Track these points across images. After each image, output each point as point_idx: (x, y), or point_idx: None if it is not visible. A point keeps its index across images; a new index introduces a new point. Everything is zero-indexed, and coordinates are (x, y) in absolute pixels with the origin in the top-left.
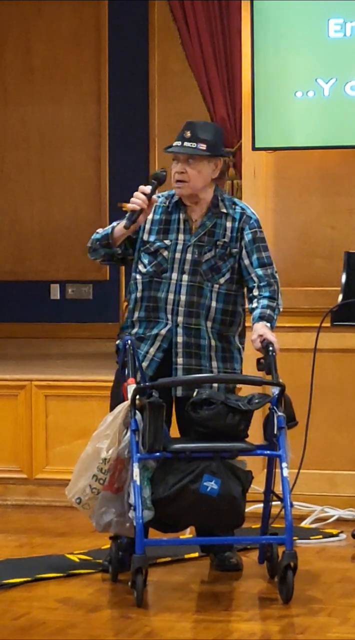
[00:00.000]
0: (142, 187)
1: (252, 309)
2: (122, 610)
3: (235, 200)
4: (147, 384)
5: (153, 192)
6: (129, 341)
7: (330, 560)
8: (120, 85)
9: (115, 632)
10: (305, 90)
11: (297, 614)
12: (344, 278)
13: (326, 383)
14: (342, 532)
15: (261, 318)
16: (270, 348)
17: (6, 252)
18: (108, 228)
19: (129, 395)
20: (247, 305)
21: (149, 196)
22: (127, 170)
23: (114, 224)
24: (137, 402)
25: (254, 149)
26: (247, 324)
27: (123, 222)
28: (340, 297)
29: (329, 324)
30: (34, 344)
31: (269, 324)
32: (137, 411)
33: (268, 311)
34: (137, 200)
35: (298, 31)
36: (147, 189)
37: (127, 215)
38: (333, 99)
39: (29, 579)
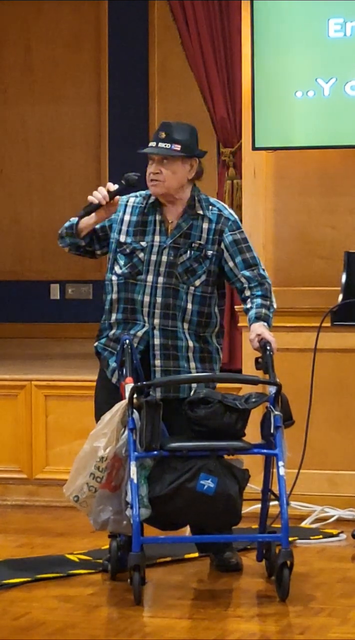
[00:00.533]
0: (108, 184)
1: (247, 310)
2: (122, 610)
3: (212, 200)
4: (144, 383)
5: (118, 192)
6: (127, 341)
7: (330, 560)
8: (120, 85)
9: (115, 632)
10: (305, 90)
11: (297, 614)
12: (344, 278)
13: (326, 383)
14: (342, 532)
15: (258, 318)
16: (268, 347)
17: (6, 252)
18: (74, 218)
19: (127, 394)
20: (242, 306)
21: (112, 194)
22: (127, 170)
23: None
24: (134, 400)
25: (254, 149)
26: (243, 324)
27: (89, 217)
28: (340, 297)
29: (329, 324)
30: (34, 344)
31: (266, 324)
32: (134, 410)
33: (263, 310)
34: (98, 194)
35: (298, 31)
36: (112, 186)
37: (84, 206)
38: (333, 98)
39: (29, 579)
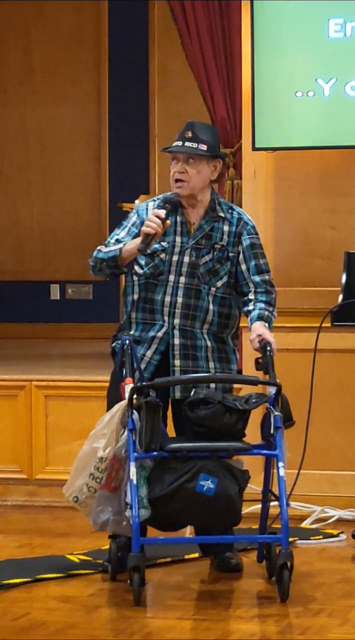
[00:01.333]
0: (156, 211)
1: (249, 311)
2: (122, 610)
3: (232, 205)
4: (144, 383)
5: (167, 216)
6: (127, 341)
7: (330, 560)
8: (120, 85)
9: (115, 633)
10: (305, 90)
11: (297, 615)
12: (344, 278)
13: (326, 383)
14: (342, 532)
15: (260, 318)
16: (268, 348)
17: (6, 252)
18: (115, 250)
19: (127, 395)
20: (242, 308)
21: (163, 220)
22: (127, 170)
23: (120, 245)
24: (134, 401)
25: (254, 149)
26: (244, 325)
27: (134, 244)
28: (340, 297)
29: (329, 324)
30: (34, 344)
31: (267, 324)
32: (134, 411)
33: (266, 312)
34: (152, 224)
35: (298, 31)
36: (162, 212)
37: (141, 238)
38: (333, 99)
39: (29, 579)
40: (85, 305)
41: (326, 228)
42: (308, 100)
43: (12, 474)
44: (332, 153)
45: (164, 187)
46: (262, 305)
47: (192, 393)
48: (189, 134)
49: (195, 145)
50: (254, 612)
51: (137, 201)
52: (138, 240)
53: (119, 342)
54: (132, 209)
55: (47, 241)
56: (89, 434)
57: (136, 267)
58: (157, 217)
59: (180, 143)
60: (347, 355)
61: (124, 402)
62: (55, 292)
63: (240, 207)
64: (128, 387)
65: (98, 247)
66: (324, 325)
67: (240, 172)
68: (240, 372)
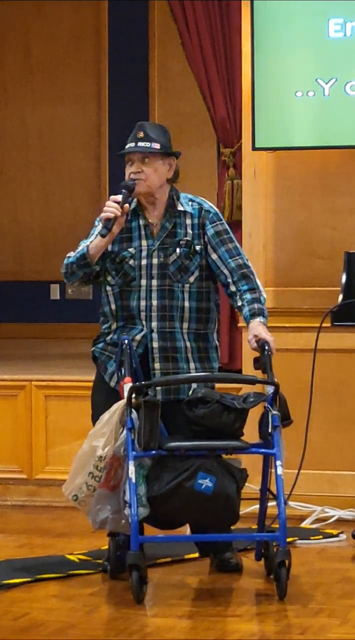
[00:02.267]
0: (112, 197)
1: (239, 308)
2: (121, 610)
3: (191, 196)
4: (143, 382)
5: (125, 200)
6: (126, 341)
7: (330, 560)
8: (120, 85)
9: (115, 632)
10: (305, 90)
11: (297, 615)
12: (344, 278)
13: (326, 383)
14: (342, 532)
15: (253, 315)
16: (266, 347)
17: (6, 252)
18: (82, 248)
19: (125, 394)
20: (231, 304)
21: (121, 204)
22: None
23: (86, 242)
24: (133, 400)
25: (254, 149)
26: (244, 324)
27: (98, 237)
28: (340, 297)
29: (329, 324)
30: (34, 344)
31: (263, 319)
32: (133, 409)
33: (256, 305)
34: (111, 207)
35: (298, 31)
36: (118, 197)
37: (102, 224)
38: (333, 99)
39: (29, 579)
40: (85, 305)
41: (326, 228)
42: (308, 100)
43: (12, 473)
44: (332, 153)
45: None
46: (249, 296)
47: (190, 392)
48: (141, 134)
49: (148, 144)
50: (253, 612)
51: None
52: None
53: (99, 346)
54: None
55: (47, 241)
56: (88, 433)
57: (108, 278)
58: (115, 201)
59: (133, 144)
60: (347, 355)
61: (123, 401)
62: (55, 292)
63: (241, 207)
64: (127, 386)
65: (67, 255)
66: (324, 325)
67: (240, 172)
68: (234, 371)
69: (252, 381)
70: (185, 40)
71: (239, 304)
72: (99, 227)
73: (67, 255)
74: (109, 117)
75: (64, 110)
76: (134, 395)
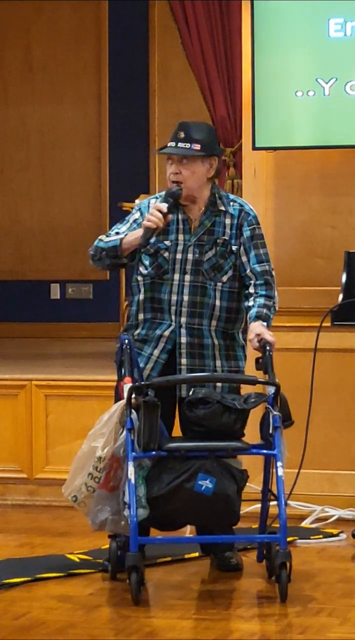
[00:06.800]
0: (158, 205)
1: (249, 307)
2: (122, 610)
3: (233, 197)
4: (143, 382)
5: (170, 210)
6: (126, 340)
7: (330, 560)
8: (120, 85)
9: (115, 632)
10: (305, 89)
11: (297, 614)
12: (344, 278)
13: (326, 383)
14: (342, 532)
15: (258, 317)
16: (268, 347)
17: (6, 251)
18: (115, 240)
19: (125, 394)
20: (244, 303)
21: (165, 214)
22: (127, 170)
23: (121, 235)
24: (132, 401)
25: (254, 148)
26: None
27: (134, 236)
28: (341, 297)
29: (329, 324)
30: (34, 344)
31: (265, 323)
32: (132, 410)
33: (264, 310)
34: (154, 218)
35: (298, 31)
36: (163, 206)
37: (142, 232)
38: (333, 98)
39: (29, 579)
40: (85, 304)
41: (326, 228)
42: (308, 99)
43: (12, 473)
44: (332, 153)
45: (164, 187)
46: (262, 301)
47: (191, 392)
48: (182, 135)
49: (188, 145)
50: (253, 612)
51: (137, 201)
52: (139, 232)
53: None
54: (132, 208)
55: (47, 241)
56: (88, 433)
57: (140, 268)
58: (159, 211)
59: (173, 144)
60: (347, 355)
61: (122, 402)
62: (55, 292)
63: None
64: (126, 386)
65: (99, 237)
66: (324, 325)
67: (240, 171)
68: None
69: (253, 381)
70: (185, 40)
71: (251, 304)
72: (136, 214)
73: (99, 237)
74: (109, 117)
75: (64, 110)
76: (133, 396)
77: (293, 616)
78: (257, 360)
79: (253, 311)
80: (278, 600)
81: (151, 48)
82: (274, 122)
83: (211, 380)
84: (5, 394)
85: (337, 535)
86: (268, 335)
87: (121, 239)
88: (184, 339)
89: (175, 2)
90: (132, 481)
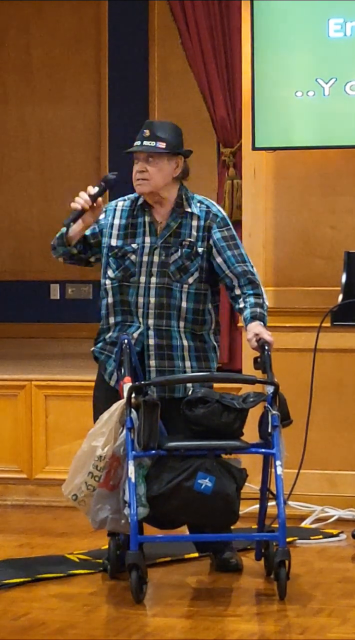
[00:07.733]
0: (88, 188)
1: (241, 309)
2: (121, 609)
3: (200, 198)
4: (143, 382)
5: (99, 194)
6: (126, 340)
7: (330, 560)
8: (120, 85)
9: (115, 632)
10: (305, 90)
11: (297, 614)
12: (344, 278)
13: (326, 383)
14: (342, 532)
15: (254, 318)
16: (266, 347)
17: (6, 252)
18: (63, 228)
19: (125, 394)
20: (233, 305)
21: (93, 197)
22: (127, 170)
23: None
24: (132, 400)
25: (254, 148)
26: (240, 325)
27: (78, 224)
28: (340, 297)
29: (329, 324)
30: (34, 344)
31: (262, 323)
32: (132, 409)
33: (258, 309)
34: (80, 200)
35: (298, 31)
36: (93, 190)
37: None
38: (333, 98)
39: (29, 579)
40: (85, 305)
41: (326, 228)
42: (308, 100)
43: (12, 473)
44: (332, 153)
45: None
46: (252, 300)
47: (190, 392)
48: (147, 133)
49: (153, 143)
50: (253, 612)
51: None
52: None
53: (99, 345)
54: None
55: (47, 241)
56: (88, 432)
57: (108, 271)
58: (88, 194)
59: (138, 143)
60: (347, 355)
61: (122, 401)
62: (55, 292)
63: (240, 207)
64: (126, 386)
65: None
66: (324, 325)
67: (240, 172)
68: (234, 371)
69: (251, 381)
70: (185, 40)
71: (241, 306)
72: (101, 215)
73: (61, 229)
74: (109, 117)
75: (64, 110)
76: (133, 395)
77: (293, 616)
78: (255, 359)
79: (247, 312)
80: (278, 600)
81: (151, 48)
82: (273, 122)
83: (211, 379)
84: (5, 394)
85: (337, 535)
86: (266, 335)
87: (66, 225)
88: (152, 341)
89: (175, 2)
90: (132, 480)
